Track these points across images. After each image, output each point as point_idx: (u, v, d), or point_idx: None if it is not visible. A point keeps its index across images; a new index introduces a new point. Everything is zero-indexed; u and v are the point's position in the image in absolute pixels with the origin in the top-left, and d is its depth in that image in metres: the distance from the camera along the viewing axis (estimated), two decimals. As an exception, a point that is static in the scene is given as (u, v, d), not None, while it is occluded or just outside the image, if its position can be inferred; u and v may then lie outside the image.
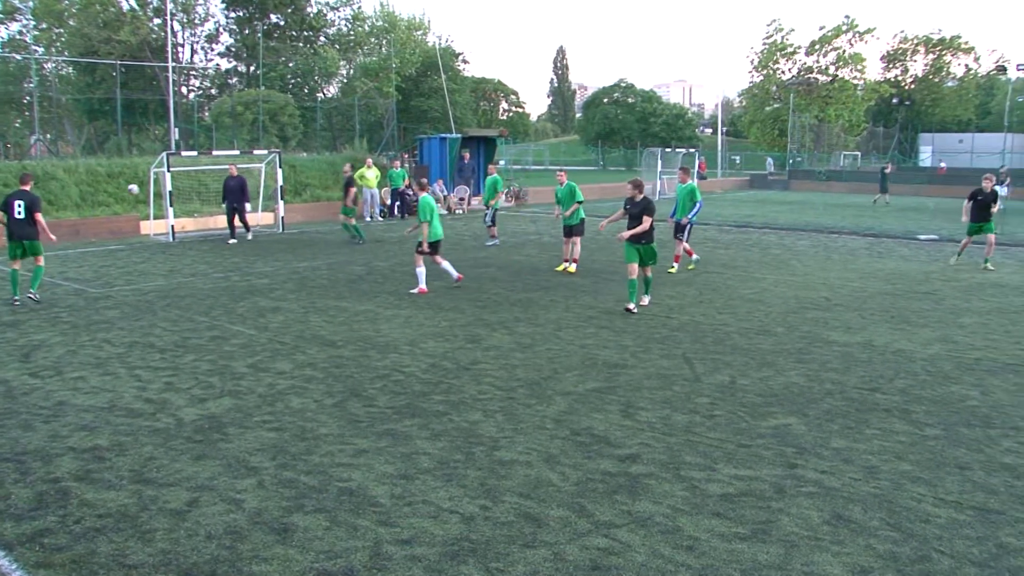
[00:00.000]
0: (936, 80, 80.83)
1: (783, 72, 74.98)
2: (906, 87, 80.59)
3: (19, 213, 13.53)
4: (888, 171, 41.74)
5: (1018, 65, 54.96)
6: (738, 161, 52.11)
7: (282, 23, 57.01)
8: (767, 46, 74.53)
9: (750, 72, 76.80)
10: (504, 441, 7.49)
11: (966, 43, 79.52)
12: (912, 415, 8.29)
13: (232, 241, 22.83)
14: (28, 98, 48.43)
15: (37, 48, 56.86)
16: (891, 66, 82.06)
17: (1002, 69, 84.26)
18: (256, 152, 29.03)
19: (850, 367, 10.06)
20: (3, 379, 9.49)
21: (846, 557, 5.43)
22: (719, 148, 63.70)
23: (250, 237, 23.36)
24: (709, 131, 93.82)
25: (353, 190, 22.14)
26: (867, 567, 5.31)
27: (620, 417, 8.16)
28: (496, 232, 22.25)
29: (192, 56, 58.25)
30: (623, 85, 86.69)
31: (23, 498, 6.28)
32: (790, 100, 66.67)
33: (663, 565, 5.31)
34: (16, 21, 57.82)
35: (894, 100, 76.43)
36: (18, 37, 58.40)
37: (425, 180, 15.67)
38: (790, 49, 74.02)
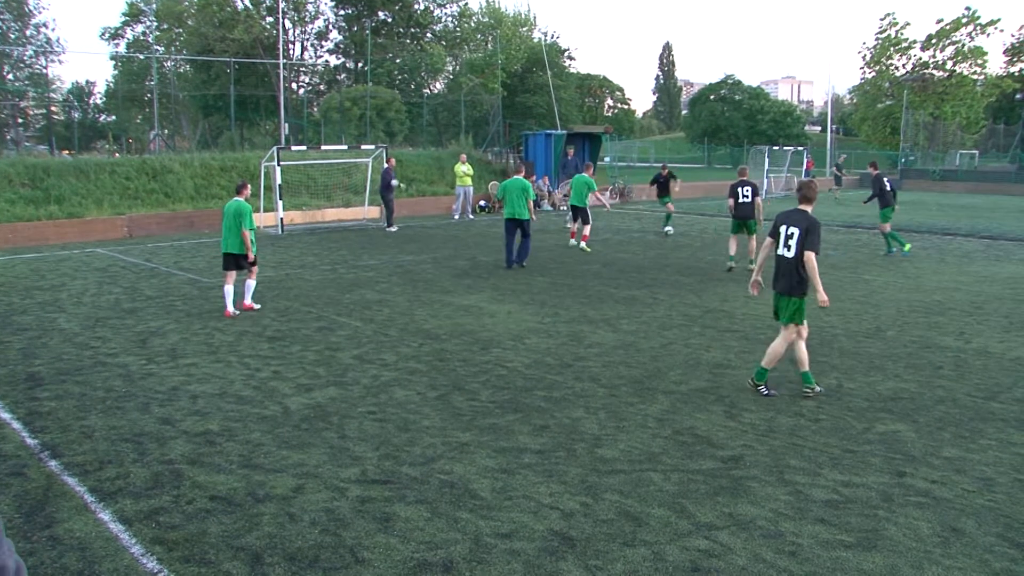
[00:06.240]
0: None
1: (896, 68, 72.44)
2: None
3: None
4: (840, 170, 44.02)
5: None
6: (844, 158, 50.21)
7: (390, 20, 58.10)
8: (880, 41, 72.13)
9: (861, 68, 74.49)
10: (606, 439, 7.46)
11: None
12: (1031, 426, 7.93)
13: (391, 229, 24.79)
14: (149, 95, 50.59)
15: (158, 48, 59.42)
16: (1015, 60, 77.75)
17: None
18: (363, 147, 29.59)
19: (964, 374, 9.68)
20: (123, 363, 9.92)
21: (958, 572, 5.22)
22: (828, 146, 61.96)
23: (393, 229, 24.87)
24: (818, 129, 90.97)
25: None
26: (981, 582, 5.11)
27: (723, 418, 8.04)
28: (577, 231, 21.06)
29: (302, 53, 59.90)
30: (730, 82, 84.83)
31: (140, 477, 6.56)
32: (904, 97, 64.35)
33: (764, 570, 5.21)
34: (140, 23, 60.69)
35: (1018, 96, 72.63)
36: (141, 38, 61.23)
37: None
38: (904, 44, 71.48)
